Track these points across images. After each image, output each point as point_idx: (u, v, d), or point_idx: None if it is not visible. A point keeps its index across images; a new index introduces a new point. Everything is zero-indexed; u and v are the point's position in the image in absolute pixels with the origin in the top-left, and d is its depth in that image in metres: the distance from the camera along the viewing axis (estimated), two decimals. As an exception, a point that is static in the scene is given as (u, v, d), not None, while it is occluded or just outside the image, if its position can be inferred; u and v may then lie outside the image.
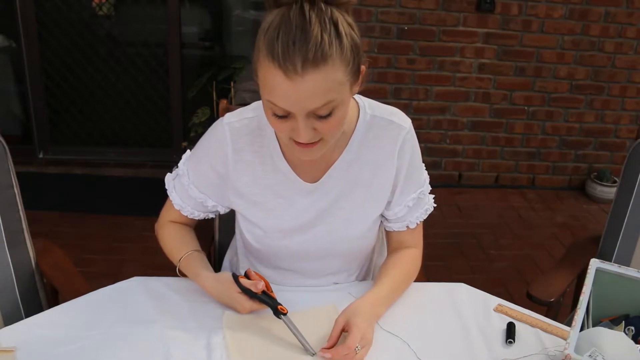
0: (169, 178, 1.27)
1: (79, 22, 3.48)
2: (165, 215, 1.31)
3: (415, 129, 1.21)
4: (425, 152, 3.65)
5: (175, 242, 1.28)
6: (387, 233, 1.31)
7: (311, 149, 1.01)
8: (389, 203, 1.23)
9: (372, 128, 1.16)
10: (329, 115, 0.96)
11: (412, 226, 1.25)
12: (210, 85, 3.20)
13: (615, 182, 3.58)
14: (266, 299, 1.10)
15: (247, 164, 1.17)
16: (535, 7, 3.36)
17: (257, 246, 1.26)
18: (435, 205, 1.28)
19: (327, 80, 0.92)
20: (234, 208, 1.26)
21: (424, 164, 1.26)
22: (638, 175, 1.57)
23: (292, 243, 1.22)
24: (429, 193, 1.27)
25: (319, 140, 1.01)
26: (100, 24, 3.54)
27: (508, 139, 3.70)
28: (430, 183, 1.29)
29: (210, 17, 3.68)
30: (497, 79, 3.53)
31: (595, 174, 3.69)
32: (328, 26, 0.91)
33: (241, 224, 1.28)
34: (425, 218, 1.27)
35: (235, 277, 1.12)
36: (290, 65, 0.89)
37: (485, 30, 3.40)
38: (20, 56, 3.40)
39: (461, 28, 3.38)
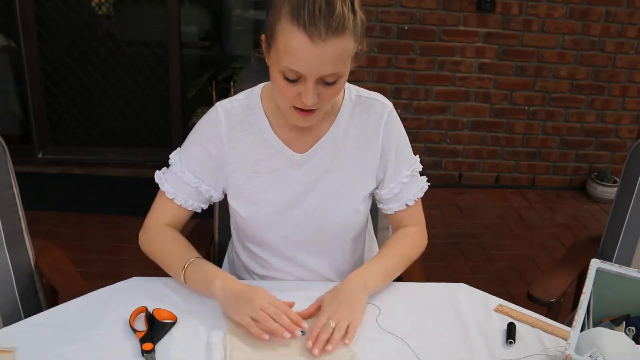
0: (158, 174, 1.28)
1: (79, 22, 3.48)
2: (154, 217, 1.29)
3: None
4: (426, 152, 3.66)
5: (175, 246, 1.25)
6: (389, 217, 1.37)
7: (308, 116, 1.10)
8: (381, 181, 1.29)
9: (358, 106, 1.25)
10: (334, 83, 1.06)
11: (411, 203, 1.31)
12: (210, 85, 3.20)
13: (615, 182, 3.58)
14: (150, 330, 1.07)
15: (239, 140, 1.22)
16: (535, 7, 3.36)
17: (252, 224, 1.26)
18: (429, 183, 1.35)
19: (342, 49, 1.02)
20: (227, 192, 1.28)
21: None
22: (639, 176, 1.56)
23: (285, 217, 1.25)
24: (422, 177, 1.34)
25: (316, 109, 1.09)
26: (99, 24, 3.54)
27: (508, 139, 3.69)
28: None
29: (210, 17, 3.68)
30: (497, 79, 3.53)
31: (596, 174, 3.69)
32: (347, 2, 1.02)
33: (236, 205, 1.27)
34: (421, 196, 1.33)
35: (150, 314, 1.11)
36: (315, 31, 0.98)
37: (486, 30, 3.40)
38: (20, 56, 3.40)
39: (461, 28, 3.38)
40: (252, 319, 1.05)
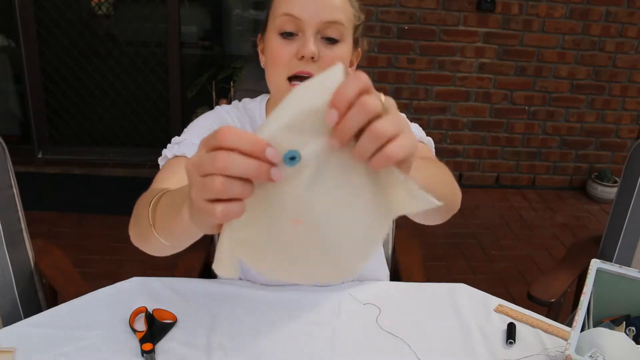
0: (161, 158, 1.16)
1: (78, 22, 3.48)
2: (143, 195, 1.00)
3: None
4: (425, 152, 3.66)
5: (149, 196, 0.86)
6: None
7: None
8: None
9: None
10: (334, 43, 1.02)
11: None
12: (210, 84, 3.20)
13: (616, 182, 3.58)
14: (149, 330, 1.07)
15: None
16: (536, 7, 3.35)
17: None
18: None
19: None
20: None
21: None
22: (639, 176, 1.56)
23: None
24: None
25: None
26: (99, 24, 3.54)
27: (509, 138, 3.69)
28: None
29: (210, 17, 3.68)
30: (497, 79, 3.53)
31: (596, 174, 3.69)
32: None
33: None
34: (430, 146, 1.27)
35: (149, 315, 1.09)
36: None
37: (486, 29, 3.39)
38: (19, 56, 3.40)
39: (461, 27, 3.38)
40: (206, 188, 0.53)
